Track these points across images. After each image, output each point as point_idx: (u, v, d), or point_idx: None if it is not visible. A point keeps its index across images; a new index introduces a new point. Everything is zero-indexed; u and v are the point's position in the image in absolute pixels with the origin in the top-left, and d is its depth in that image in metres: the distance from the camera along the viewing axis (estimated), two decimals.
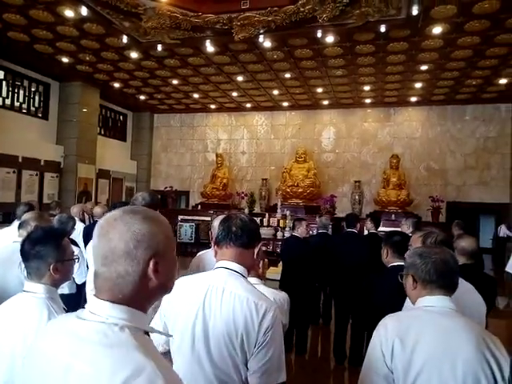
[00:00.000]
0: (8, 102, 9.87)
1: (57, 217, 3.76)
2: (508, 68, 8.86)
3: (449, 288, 1.44)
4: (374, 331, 1.43)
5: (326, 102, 12.21)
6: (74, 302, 2.77)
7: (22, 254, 1.51)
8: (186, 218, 11.49)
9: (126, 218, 0.86)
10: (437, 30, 7.23)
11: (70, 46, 8.72)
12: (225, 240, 1.44)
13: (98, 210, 5.46)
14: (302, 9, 7.00)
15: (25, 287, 1.50)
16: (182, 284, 1.47)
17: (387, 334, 1.36)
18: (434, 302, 1.41)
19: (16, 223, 3.50)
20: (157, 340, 1.43)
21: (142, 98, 12.63)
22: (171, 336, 1.35)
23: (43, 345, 0.86)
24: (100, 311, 0.83)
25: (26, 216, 2.57)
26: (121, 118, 14.00)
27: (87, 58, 9.41)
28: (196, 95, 12.10)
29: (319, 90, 11.00)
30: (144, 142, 14.27)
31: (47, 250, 1.49)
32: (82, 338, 0.80)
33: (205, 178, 13.34)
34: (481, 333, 1.35)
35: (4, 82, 9.75)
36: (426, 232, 2.14)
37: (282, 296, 2.18)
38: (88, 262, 3.21)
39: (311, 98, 11.84)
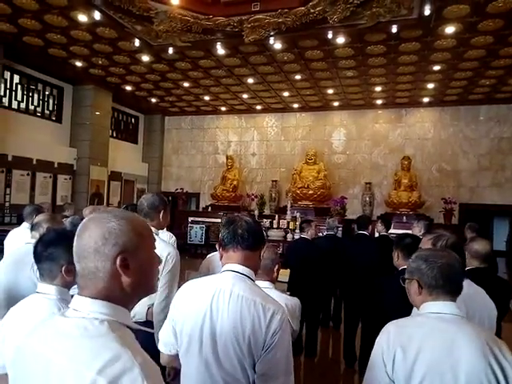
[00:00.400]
0: (23, 105, 10.06)
1: (69, 219, 3.80)
2: None
3: (454, 293, 1.41)
4: (377, 338, 1.40)
5: (336, 104, 12.15)
6: None
7: (34, 256, 1.54)
8: (197, 219, 11.56)
9: (99, 218, 0.91)
10: (449, 29, 7.15)
11: (83, 50, 8.86)
12: (231, 243, 1.44)
13: None
14: (312, 10, 7.00)
15: (38, 288, 1.53)
16: (189, 288, 1.48)
17: (389, 342, 1.34)
18: (439, 309, 1.38)
19: (24, 224, 3.57)
20: (167, 343, 1.48)
21: (154, 100, 12.75)
22: (153, 332, 1.39)
23: (30, 344, 0.89)
24: (81, 307, 0.87)
25: (38, 218, 2.61)
26: (132, 120, 14.16)
27: (100, 62, 9.55)
28: (207, 97, 12.17)
29: (330, 91, 10.95)
30: (155, 145, 14.41)
31: (59, 252, 1.52)
32: (64, 334, 0.84)
33: (215, 179, 13.39)
34: (486, 339, 1.31)
35: (19, 86, 9.95)
36: (436, 235, 2.11)
37: (294, 302, 2.17)
38: None
39: (322, 99, 11.80)
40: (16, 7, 6.97)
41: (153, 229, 2.16)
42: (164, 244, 2.32)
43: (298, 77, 9.93)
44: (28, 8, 7.00)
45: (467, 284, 1.84)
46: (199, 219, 11.51)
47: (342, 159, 12.55)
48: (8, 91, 9.60)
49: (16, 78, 9.85)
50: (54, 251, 1.52)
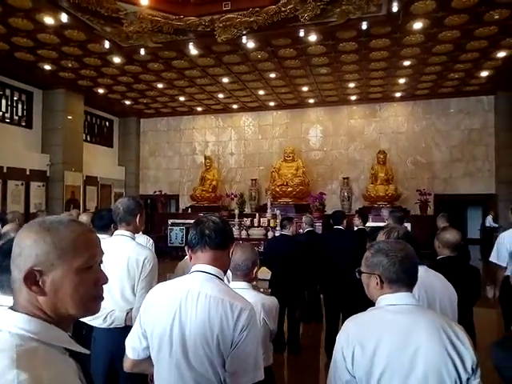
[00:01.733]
0: None
1: None
2: (488, 61, 9.00)
3: (412, 284, 1.42)
4: (338, 335, 1.41)
5: (311, 101, 12.27)
6: None
7: None
8: (177, 221, 11.47)
9: (27, 226, 0.85)
10: (417, 25, 7.32)
11: (51, 53, 8.64)
12: (199, 244, 1.44)
13: (83, 217, 5.36)
14: (283, 9, 7.03)
15: None
16: (158, 290, 1.48)
17: (348, 339, 1.35)
18: (396, 300, 1.38)
19: None
20: (135, 347, 1.47)
21: (128, 103, 12.54)
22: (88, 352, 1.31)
23: None
24: (4, 320, 0.81)
25: (6, 228, 2.53)
26: (107, 123, 13.88)
27: (70, 65, 9.32)
28: (182, 98, 12.06)
29: (304, 88, 11.04)
30: (131, 147, 14.18)
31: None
32: None
33: (194, 180, 13.31)
34: (442, 325, 1.32)
35: None
36: (387, 228, 2.16)
37: (271, 301, 2.16)
38: None
39: (297, 96, 11.88)
40: None
41: (129, 233, 2.31)
42: (141, 248, 2.31)
43: (272, 75, 9.97)
44: None
45: (424, 270, 1.86)
46: (179, 221, 11.42)
47: (319, 155, 12.68)
48: None
49: None
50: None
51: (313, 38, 7.73)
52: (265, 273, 4.83)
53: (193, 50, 8.24)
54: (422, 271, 1.55)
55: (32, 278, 0.80)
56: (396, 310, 1.36)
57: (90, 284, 0.87)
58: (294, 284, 4.29)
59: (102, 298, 0.90)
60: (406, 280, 1.39)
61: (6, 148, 9.69)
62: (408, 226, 8.27)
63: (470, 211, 14.78)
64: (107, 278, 0.90)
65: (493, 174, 11.24)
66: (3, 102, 10.09)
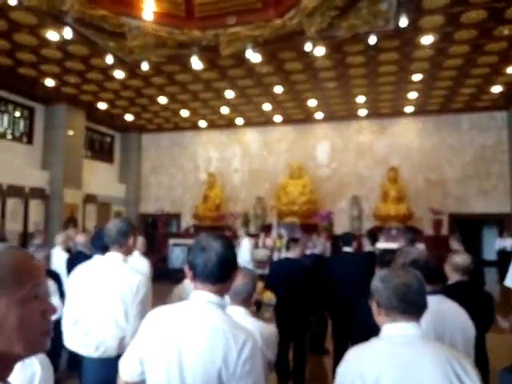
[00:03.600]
0: None
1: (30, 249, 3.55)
2: (499, 76, 8.80)
3: (413, 313, 1.36)
4: (338, 366, 1.39)
5: (319, 116, 11.99)
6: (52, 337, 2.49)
7: None
8: (178, 242, 11.04)
9: None
10: (426, 39, 7.20)
11: (54, 69, 8.64)
12: (201, 276, 1.39)
13: (80, 238, 5.10)
14: (289, 23, 6.90)
15: None
16: (156, 316, 1.42)
17: (348, 370, 1.34)
18: (396, 331, 1.35)
19: None
20: (130, 371, 1.43)
21: (129, 118, 12.38)
22: None
23: None
24: None
25: None
26: (108, 139, 13.65)
27: (72, 80, 9.26)
28: (185, 113, 11.84)
29: (312, 103, 10.80)
30: (132, 164, 13.88)
31: None
32: None
33: (197, 199, 12.86)
34: (448, 358, 1.26)
35: None
36: (400, 251, 2.14)
37: (269, 330, 2.08)
38: (66, 294, 2.98)
39: (304, 111, 11.63)
40: None
41: (121, 256, 2.28)
42: (133, 271, 2.26)
43: (278, 89, 9.74)
44: None
45: (439, 300, 1.85)
46: (181, 241, 11.01)
47: (327, 172, 12.32)
48: None
49: None
50: None
51: (319, 51, 7.53)
52: (269, 297, 4.58)
53: (196, 64, 8.04)
54: (437, 301, 1.54)
55: None
56: (397, 342, 1.33)
57: (37, 316, 0.77)
58: (299, 310, 4.10)
59: (51, 335, 0.80)
60: (401, 307, 1.35)
61: (7, 165, 9.49)
62: (421, 246, 7.89)
63: (485, 231, 14.25)
64: (55, 310, 0.82)
65: (508, 192, 10.81)
66: (5, 117, 9.98)
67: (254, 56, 7.60)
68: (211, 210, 11.85)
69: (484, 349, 2.72)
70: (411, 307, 1.35)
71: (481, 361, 2.25)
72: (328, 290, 4.23)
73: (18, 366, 1.14)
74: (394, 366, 1.27)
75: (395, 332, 1.35)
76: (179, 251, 10.49)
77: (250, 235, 9.58)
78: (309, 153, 12.51)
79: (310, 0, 6.45)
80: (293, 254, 4.37)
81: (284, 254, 8.08)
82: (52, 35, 7.07)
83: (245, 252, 7.95)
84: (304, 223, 10.72)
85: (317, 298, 4.32)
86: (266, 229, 11.11)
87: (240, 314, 1.89)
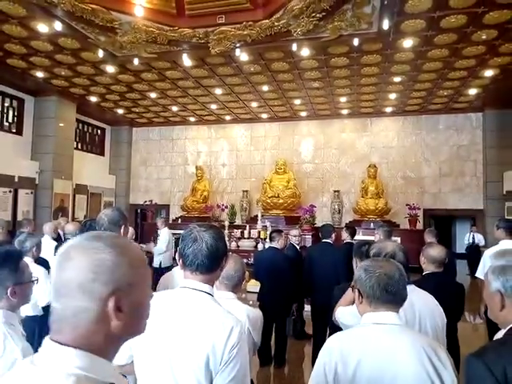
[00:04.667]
0: None
1: (19, 236, 3.60)
2: (476, 79, 9.20)
3: (394, 303, 1.41)
4: (321, 350, 1.41)
5: (303, 114, 12.39)
6: (39, 324, 2.67)
7: None
8: None
9: (86, 244, 0.76)
10: (407, 43, 7.46)
11: (44, 61, 8.63)
12: (191, 266, 1.40)
13: (69, 227, 5.27)
14: (276, 23, 7.13)
15: None
16: None
17: (331, 355, 1.35)
18: (378, 319, 1.38)
19: None
20: (120, 356, 1.39)
21: (120, 111, 12.54)
22: None
23: None
24: (54, 356, 0.72)
25: None
26: (99, 132, 13.83)
27: (62, 73, 9.31)
28: (175, 108, 12.10)
29: (297, 101, 11.16)
30: (123, 156, 14.13)
31: (4, 274, 1.45)
32: None
33: (185, 191, 13.26)
34: (423, 344, 1.32)
35: None
36: (377, 248, 2.13)
37: (256, 313, 2.15)
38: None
39: (289, 109, 11.99)
40: None
41: None
42: None
43: (265, 88, 10.06)
44: None
45: (410, 290, 1.83)
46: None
47: (310, 168, 12.75)
48: None
49: None
50: None
51: (305, 52, 7.84)
52: (253, 285, 4.81)
53: (186, 61, 8.29)
54: (408, 290, 1.57)
55: (117, 304, 0.74)
56: (378, 329, 1.36)
57: (150, 300, 0.84)
58: (281, 297, 4.27)
59: None
60: (384, 297, 1.38)
61: None
62: (398, 240, 8.31)
63: (458, 226, 14.92)
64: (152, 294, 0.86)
65: (481, 189, 11.40)
66: None
67: (242, 55, 7.87)
68: (199, 201, 12.17)
69: (456, 337, 2.84)
70: (393, 297, 1.39)
71: (452, 349, 2.29)
72: (307, 278, 4.41)
73: None
74: (374, 352, 1.31)
75: (376, 320, 1.38)
76: None
77: (235, 226, 9.88)
78: (293, 149, 12.92)
79: (297, 1, 6.74)
80: (276, 244, 4.55)
81: (268, 245, 8.45)
82: (42, 27, 7.03)
83: (162, 243, 7.56)
84: (288, 216, 11.12)
85: (298, 286, 4.49)
86: (252, 220, 11.48)
87: (228, 299, 1.92)
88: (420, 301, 1.92)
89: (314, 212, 11.31)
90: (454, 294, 2.70)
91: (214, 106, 11.80)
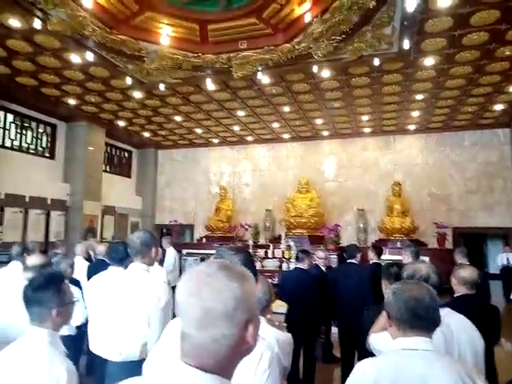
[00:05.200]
0: (16, 143, 10.18)
1: (54, 259, 3.74)
2: (502, 95, 9.04)
3: (424, 327, 1.34)
4: (352, 374, 1.37)
5: (325, 133, 12.44)
6: (73, 343, 2.75)
7: (24, 300, 1.55)
8: (191, 251, 11.47)
9: (220, 274, 0.79)
10: (429, 61, 7.45)
11: (76, 89, 9.10)
12: None
13: (101, 248, 5.47)
14: (297, 46, 7.30)
15: (28, 332, 1.53)
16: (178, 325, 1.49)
17: (363, 380, 1.31)
18: (408, 344, 1.33)
19: (13, 263, 3.54)
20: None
21: (146, 135, 12.96)
22: None
23: None
24: (187, 379, 0.75)
25: (32, 261, 2.61)
26: (126, 154, 14.33)
27: (92, 100, 9.77)
28: (199, 130, 12.41)
29: (318, 121, 11.24)
30: (149, 178, 14.54)
31: (48, 296, 1.53)
32: None
33: (209, 210, 13.39)
34: (460, 373, 1.25)
35: (13, 125, 10.09)
36: (411, 270, 2.11)
37: (286, 337, 2.09)
38: (88, 300, 3.16)
39: (311, 129, 12.08)
40: (10, 50, 7.21)
41: (145, 265, 2.36)
42: (156, 281, 2.33)
43: (286, 109, 10.21)
44: (22, 51, 7.24)
45: (445, 313, 1.77)
46: (193, 251, 11.43)
47: (333, 187, 12.70)
48: (1, 130, 9.73)
49: (10, 117, 10.01)
50: (44, 295, 1.53)
51: (326, 73, 7.95)
52: (279, 305, 4.76)
53: (210, 85, 8.54)
54: (444, 314, 1.50)
55: (254, 329, 0.79)
56: (410, 355, 1.30)
57: None
58: (310, 319, 4.17)
59: None
60: (413, 322, 1.33)
61: (30, 178, 10.06)
62: (426, 259, 8.11)
63: (490, 244, 14.39)
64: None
65: (511, 206, 11.02)
66: (29, 133, 10.57)
67: (263, 78, 8.06)
68: (223, 221, 12.27)
69: (493, 362, 2.71)
70: (422, 322, 1.33)
71: (490, 375, 2.22)
72: (332, 300, 4.30)
73: (45, 370, 1.35)
74: (407, 380, 1.26)
75: (406, 345, 1.33)
76: (192, 260, 10.86)
77: (259, 246, 9.88)
78: (316, 168, 12.93)
79: (317, 25, 6.90)
80: (303, 265, 4.44)
81: (292, 265, 8.40)
82: (75, 58, 7.47)
83: (169, 262, 7.41)
84: (311, 235, 11.05)
85: (326, 307, 4.38)
86: (275, 240, 11.46)
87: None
88: (457, 325, 1.84)
89: (339, 231, 11.19)
90: (488, 317, 2.60)
91: (236, 128, 12.03)
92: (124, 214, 13.33)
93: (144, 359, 2.10)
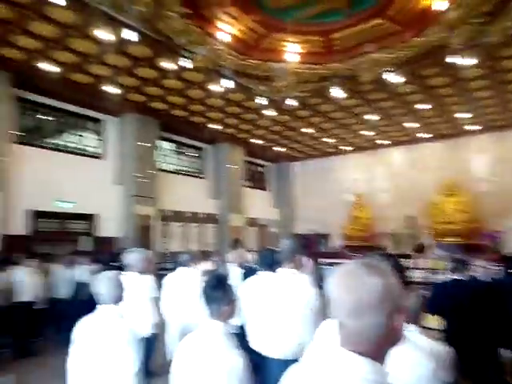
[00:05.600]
0: (175, 167, 11.98)
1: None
2: None
3: None
4: None
5: (472, 127, 11.02)
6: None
7: (204, 298, 1.89)
8: (328, 261, 11.41)
9: (366, 271, 0.89)
10: None
11: (218, 115, 10.26)
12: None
13: (249, 255, 6.10)
14: (429, 39, 6.82)
15: (207, 324, 1.85)
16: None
17: None
18: None
19: (180, 269, 4.17)
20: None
21: (280, 149, 13.65)
22: None
23: None
24: (354, 365, 0.86)
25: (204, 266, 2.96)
26: (262, 169, 15.37)
27: (230, 122, 10.84)
28: (330, 140, 12.47)
29: (462, 115, 10.07)
30: (284, 190, 15.26)
31: (222, 294, 1.87)
32: None
33: (344, 219, 13.20)
34: None
35: (171, 152, 11.93)
36: None
37: (444, 349, 1.95)
38: (245, 303, 3.49)
39: (454, 125, 10.89)
40: (166, 89, 8.61)
41: (292, 270, 2.55)
42: (306, 285, 2.48)
43: (423, 106, 9.48)
44: (174, 87, 8.55)
45: None
46: (330, 260, 11.36)
47: (487, 187, 11.09)
48: (163, 157, 11.57)
49: (168, 145, 11.83)
50: (219, 294, 1.87)
51: (467, 61, 7.15)
52: (431, 321, 4.25)
53: (337, 93, 8.55)
54: None
55: (399, 319, 0.88)
56: None
57: None
58: (479, 339, 3.51)
59: None
60: None
61: (187, 196, 11.65)
62: None
63: None
64: None
65: None
66: (183, 158, 12.35)
67: (393, 77, 7.70)
68: (360, 229, 11.96)
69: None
70: None
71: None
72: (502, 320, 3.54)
73: (224, 356, 1.59)
74: None
75: None
76: (329, 270, 10.84)
77: (400, 255, 9.26)
78: (462, 168, 11.52)
79: (453, 13, 6.32)
80: (461, 276, 3.78)
81: (448, 276, 7.55)
82: (215, 87, 8.43)
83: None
84: (465, 244, 9.84)
85: (499, 325, 3.59)
86: (419, 249, 10.57)
87: (410, 331, 1.81)
88: None
89: (499, 239, 9.70)
90: None
91: (368, 133, 11.67)
92: (264, 225, 14.24)
93: (299, 359, 2.23)
